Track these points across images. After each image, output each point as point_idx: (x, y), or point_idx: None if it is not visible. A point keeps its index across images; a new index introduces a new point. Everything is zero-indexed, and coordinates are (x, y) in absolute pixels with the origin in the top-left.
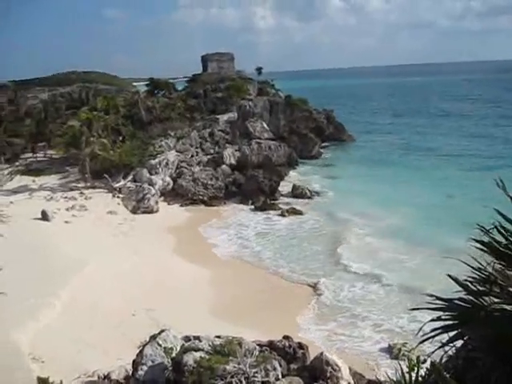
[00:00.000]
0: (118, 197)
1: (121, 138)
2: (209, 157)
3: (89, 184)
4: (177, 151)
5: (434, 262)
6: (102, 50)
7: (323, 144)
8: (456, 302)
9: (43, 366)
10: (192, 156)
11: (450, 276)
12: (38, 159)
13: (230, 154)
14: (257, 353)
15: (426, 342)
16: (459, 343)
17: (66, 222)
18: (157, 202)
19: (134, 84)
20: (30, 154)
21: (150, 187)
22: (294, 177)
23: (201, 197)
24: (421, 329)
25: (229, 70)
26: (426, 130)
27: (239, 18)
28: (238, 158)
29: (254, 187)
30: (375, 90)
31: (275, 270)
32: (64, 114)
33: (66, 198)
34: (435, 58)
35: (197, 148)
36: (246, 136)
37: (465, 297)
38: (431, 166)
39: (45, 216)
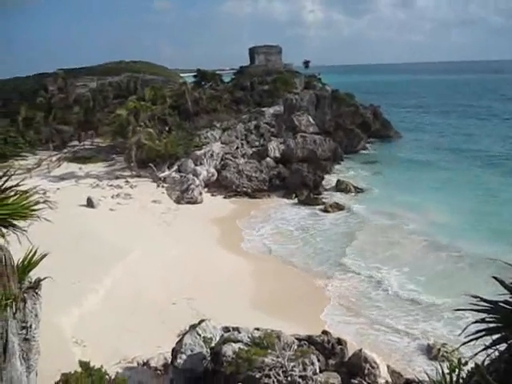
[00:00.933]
0: (162, 186)
1: (167, 129)
2: (253, 149)
3: (134, 173)
4: (222, 143)
5: (475, 266)
6: (150, 40)
7: (369, 140)
8: (501, 304)
9: (84, 350)
10: (237, 148)
11: (495, 278)
12: (86, 147)
13: (274, 147)
14: (295, 347)
15: (466, 344)
16: (502, 346)
17: (111, 209)
18: (201, 193)
19: (182, 75)
20: (78, 142)
21: (195, 178)
22: (338, 172)
23: (245, 189)
24: (464, 330)
25: (276, 63)
26: (474, 131)
27: (287, 11)
28: (282, 151)
29: (297, 181)
30: (424, 86)
31: (311, 265)
32: (112, 102)
33: (111, 185)
34: (488, 55)
35: (242, 140)
36: (292, 129)
37: (510, 300)
38: (476, 168)
39: (90, 203)
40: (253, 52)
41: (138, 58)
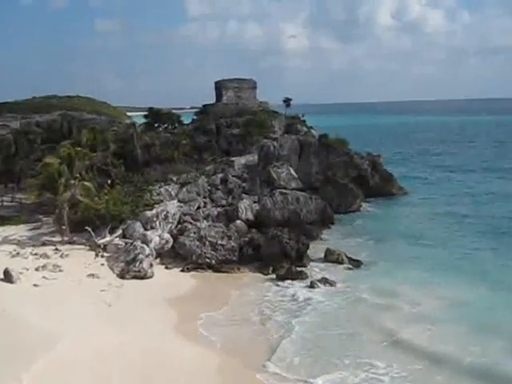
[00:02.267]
0: (102, 256)
1: (109, 182)
2: (220, 209)
3: (66, 238)
4: (179, 201)
5: None
6: (90, 70)
7: (366, 199)
8: None
9: None
10: (199, 208)
11: None
12: (4, 204)
13: (246, 207)
14: None
15: None
16: None
17: (35, 285)
18: (151, 265)
19: (129, 114)
20: None
21: (144, 246)
22: (328, 238)
23: (208, 260)
24: None
25: (249, 101)
26: (499, 190)
27: (263, 37)
28: (256, 212)
29: (276, 250)
30: (435, 130)
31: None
32: (39, 148)
33: (36, 254)
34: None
35: (205, 198)
36: (268, 185)
37: None
38: (500, 246)
39: (8, 276)
40: (220, 87)
41: (73, 92)
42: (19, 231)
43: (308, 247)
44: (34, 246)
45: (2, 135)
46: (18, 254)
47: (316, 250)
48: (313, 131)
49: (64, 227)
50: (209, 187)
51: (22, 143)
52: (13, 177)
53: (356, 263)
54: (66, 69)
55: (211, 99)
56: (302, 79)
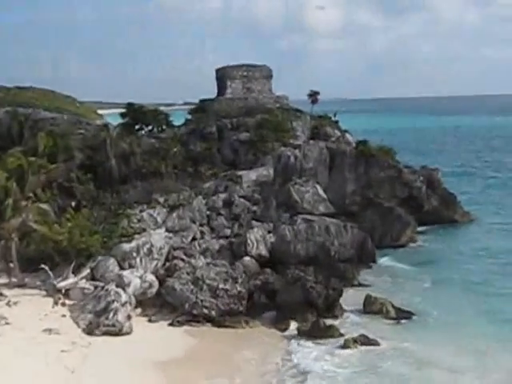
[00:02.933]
0: (63, 304)
1: (74, 204)
2: (222, 242)
3: (15, 280)
4: (168, 230)
5: None
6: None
7: (420, 228)
8: None
9: None
10: (194, 239)
11: None
12: None
13: (258, 239)
14: None
15: None
16: None
17: None
18: (129, 317)
19: (101, 112)
20: None
21: (120, 291)
22: (368, 281)
23: (206, 311)
24: None
25: (262, 95)
26: None
27: (281, 8)
28: (271, 245)
29: (298, 298)
30: (507, 133)
31: None
32: None
33: None
34: None
35: (202, 226)
36: (288, 208)
37: None
38: None
39: None
40: (223, 76)
41: (25, 81)
42: None
43: (341, 294)
44: None
45: None
46: None
47: (352, 297)
48: (348, 136)
49: (12, 265)
50: (208, 212)
51: None
52: None
53: (406, 315)
54: (17, 51)
55: (211, 93)
56: (332, 66)
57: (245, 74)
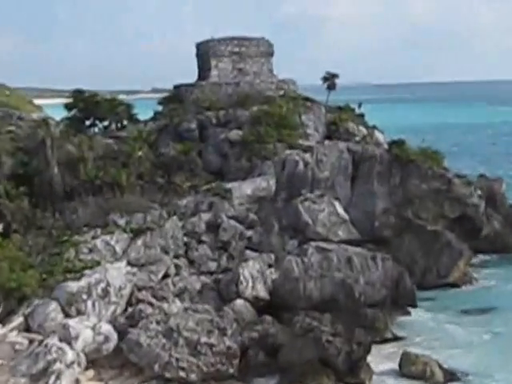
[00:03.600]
0: None
1: (0, 228)
2: (205, 279)
3: None
4: (131, 264)
5: None
6: None
7: (477, 259)
8: None
9: None
10: (166, 276)
11: None
12: None
13: (254, 275)
14: None
15: None
16: None
17: None
18: (77, 382)
19: (38, 102)
20: None
21: (64, 346)
22: (405, 333)
23: (183, 373)
24: None
25: (260, 79)
26: None
27: None
28: (273, 283)
29: (309, 355)
30: None
31: None
32: None
33: None
34: None
35: (178, 258)
36: (296, 233)
37: None
38: None
39: None
40: (206, 53)
41: None
42: None
43: (368, 350)
44: None
45: None
46: None
47: (384, 354)
48: (377, 135)
49: None
50: (185, 238)
51: None
52: None
53: (457, 379)
54: None
55: (189, 76)
56: (355, 39)
57: (236, 49)
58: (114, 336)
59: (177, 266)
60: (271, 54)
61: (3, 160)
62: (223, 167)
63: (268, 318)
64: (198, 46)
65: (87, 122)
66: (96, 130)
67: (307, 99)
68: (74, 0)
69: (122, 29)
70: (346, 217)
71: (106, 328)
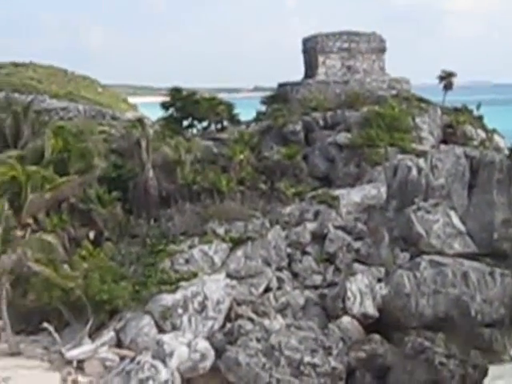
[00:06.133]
0: (74, 382)
1: (92, 236)
2: (310, 294)
3: (6, 346)
4: (230, 276)
5: None
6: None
7: None
8: None
9: None
10: (268, 290)
11: None
12: None
13: (363, 291)
14: None
15: None
16: None
17: None
18: None
19: (133, 101)
20: None
21: (157, 364)
22: None
23: None
24: None
25: (370, 77)
26: None
27: None
28: (382, 300)
29: (421, 377)
30: None
31: None
32: None
33: None
34: None
35: (280, 270)
36: (408, 245)
37: None
38: None
39: None
40: (313, 49)
41: (27, 55)
42: None
43: (486, 373)
44: None
45: None
46: None
47: (503, 379)
48: (497, 139)
49: (1, 323)
50: (289, 249)
51: None
52: None
53: None
54: (9, 11)
55: (295, 73)
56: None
57: (345, 45)
58: (211, 353)
59: (279, 279)
60: (383, 51)
61: (95, 162)
62: (330, 173)
63: (376, 336)
64: (305, 41)
65: (185, 123)
66: (194, 131)
67: (421, 100)
68: None
69: (222, 23)
70: (463, 228)
71: (203, 345)
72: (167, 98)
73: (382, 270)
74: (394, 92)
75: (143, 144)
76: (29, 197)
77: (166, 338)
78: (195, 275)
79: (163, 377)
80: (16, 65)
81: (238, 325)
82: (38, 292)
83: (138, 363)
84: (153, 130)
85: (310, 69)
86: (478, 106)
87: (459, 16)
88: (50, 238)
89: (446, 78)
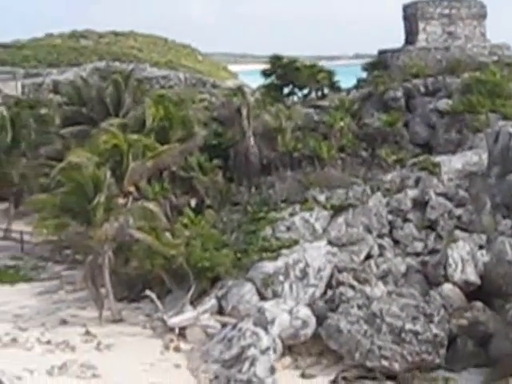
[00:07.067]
0: (176, 349)
1: (194, 203)
2: (411, 261)
3: (108, 313)
4: (331, 243)
5: None
6: None
7: None
8: None
9: None
10: (369, 257)
11: None
12: None
13: (464, 258)
14: None
15: None
16: None
17: None
18: (273, 370)
19: (233, 69)
20: None
21: (259, 331)
22: None
23: (387, 363)
24: None
25: (471, 44)
26: None
27: None
28: (484, 267)
29: None
30: None
31: None
32: (58, 134)
33: (49, 343)
34: None
35: (381, 237)
36: (509, 211)
37: None
38: None
39: None
40: (413, 15)
41: (126, 24)
42: (17, 296)
43: None
44: (44, 326)
45: None
46: (14, 340)
47: None
48: None
49: (104, 291)
50: (390, 216)
51: (26, 125)
52: (7, 190)
53: None
54: None
55: (395, 40)
56: None
57: (446, 11)
58: (313, 321)
59: (380, 247)
60: (484, 16)
61: (196, 130)
62: (431, 140)
63: (478, 304)
64: (405, 7)
65: (285, 90)
66: (295, 98)
67: None
68: None
69: None
70: None
71: (304, 312)
72: (268, 66)
73: (484, 237)
74: (495, 58)
75: (244, 112)
76: (130, 165)
77: (267, 305)
78: (296, 242)
79: (265, 344)
80: (116, 34)
81: (339, 292)
82: (140, 259)
83: (240, 330)
84: (253, 98)
85: (411, 35)
86: None
87: None
88: (151, 205)
89: None
